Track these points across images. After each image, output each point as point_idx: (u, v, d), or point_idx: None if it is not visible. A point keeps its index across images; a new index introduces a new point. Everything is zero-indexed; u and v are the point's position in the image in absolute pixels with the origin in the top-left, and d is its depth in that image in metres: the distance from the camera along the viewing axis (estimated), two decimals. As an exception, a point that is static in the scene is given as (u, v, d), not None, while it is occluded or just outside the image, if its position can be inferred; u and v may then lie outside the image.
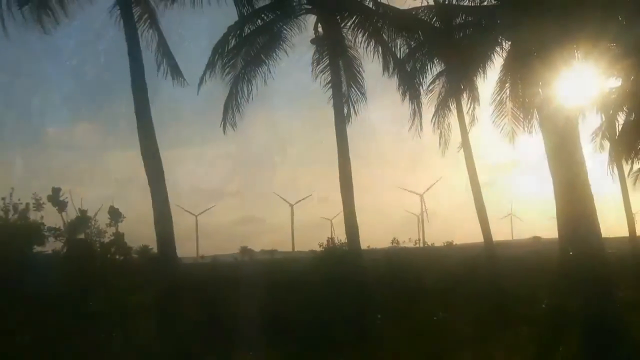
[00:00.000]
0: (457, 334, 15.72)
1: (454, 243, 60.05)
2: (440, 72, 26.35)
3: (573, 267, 12.92)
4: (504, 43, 21.53)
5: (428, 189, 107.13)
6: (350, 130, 22.46)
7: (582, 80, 16.18)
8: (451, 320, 17.42)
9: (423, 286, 21.52)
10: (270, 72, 21.78)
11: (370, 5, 22.44)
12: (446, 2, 23.72)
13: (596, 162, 34.44)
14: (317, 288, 20.01)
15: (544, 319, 17.18)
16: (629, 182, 36.73)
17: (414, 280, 21.59)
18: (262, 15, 21.87)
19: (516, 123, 22.71)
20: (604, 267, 12.11)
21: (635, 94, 23.87)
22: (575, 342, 13.11)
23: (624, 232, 34.10)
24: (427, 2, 23.77)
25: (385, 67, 22.18)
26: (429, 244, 38.97)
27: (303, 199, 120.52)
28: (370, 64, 22.48)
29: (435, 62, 25.64)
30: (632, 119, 29.36)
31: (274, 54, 21.86)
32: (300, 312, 17.69)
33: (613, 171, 33.25)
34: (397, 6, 22.90)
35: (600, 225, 12.27)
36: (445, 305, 19.07)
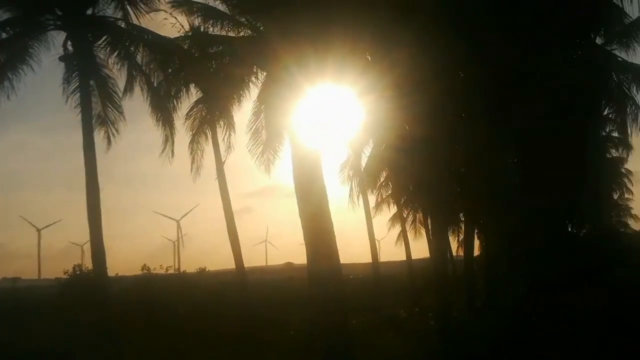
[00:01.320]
0: None
1: (207, 269, 59.94)
2: (198, 99, 26.36)
3: (313, 293, 13.33)
4: (259, 73, 22.00)
5: (185, 215, 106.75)
6: (113, 152, 21.88)
7: (330, 112, 16.99)
8: (196, 346, 17.29)
9: (169, 313, 21.22)
10: (14, 87, 20.52)
11: (123, 26, 21.84)
12: (202, 30, 23.71)
13: (346, 192, 36.55)
14: (51, 318, 19.13)
15: (292, 343, 17.61)
16: (373, 210, 39.46)
17: (159, 306, 21.21)
18: (8, 29, 20.57)
19: (271, 152, 23.24)
20: (340, 293, 12.64)
21: (378, 130, 25.50)
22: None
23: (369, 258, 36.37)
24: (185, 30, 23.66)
25: (138, 89, 21.80)
26: (183, 270, 38.60)
27: (52, 223, 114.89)
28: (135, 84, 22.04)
29: (192, 88, 25.64)
30: (375, 152, 31.27)
31: (20, 70, 20.69)
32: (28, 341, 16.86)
33: (359, 201, 35.36)
34: (156, 31, 22.63)
35: (350, 252, 12.85)
36: (190, 331, 18.93)
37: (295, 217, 12.95)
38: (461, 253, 34.75)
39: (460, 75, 20.33)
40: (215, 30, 21.84)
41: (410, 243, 37.70)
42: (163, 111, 22.82)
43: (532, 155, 27.79)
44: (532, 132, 27.70)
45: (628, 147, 36.09)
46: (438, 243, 19.62)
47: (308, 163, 12.91)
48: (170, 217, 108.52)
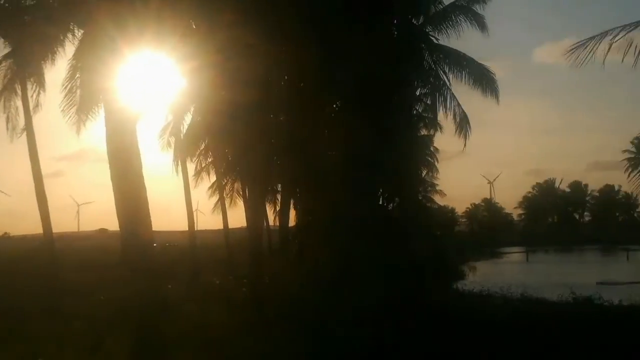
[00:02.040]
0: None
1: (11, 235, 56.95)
2: (7, 53, 24.74)
3: (128, 260, 13.14)
4: (76, 30, 21.01)
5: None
6: None
7: (150, 76, 16.61)
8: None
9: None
10: None
11: None
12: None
13: (167, 158, 36.00)
14: None
15: (97, 311, 17.23)
16: (194, 179, 39.22)
17: None
18: None
19: (84, 113, 22.28)
20: (153, 259, 12.56)
21: (199, 96, 25.30)
22: (119, 333, 13.33)
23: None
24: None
25: None
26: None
27: None
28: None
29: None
30: (196, 119, 31.00)
31: None
32: None
33: (178, 169, 34.91)
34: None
35: (169, 220, 12.73)
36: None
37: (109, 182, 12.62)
38: (277, 223, 35.54)
39: (284, 46, 20.65)
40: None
41: (228, 212, 37.96)
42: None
43: (349, 131, 28.99)
44: (348, 108, 28.90)
45: (436, 127, 38.45)
46: (255, 213, 19.94)
47: (122, 127, 12.59)
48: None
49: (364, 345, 11.43)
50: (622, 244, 78.64)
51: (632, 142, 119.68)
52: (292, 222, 31.26)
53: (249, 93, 17.68)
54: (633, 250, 70.12)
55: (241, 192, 35.80)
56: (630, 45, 14.95)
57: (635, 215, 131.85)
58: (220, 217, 37.06)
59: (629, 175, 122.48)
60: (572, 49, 15.25)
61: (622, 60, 14.90)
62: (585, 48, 15.17)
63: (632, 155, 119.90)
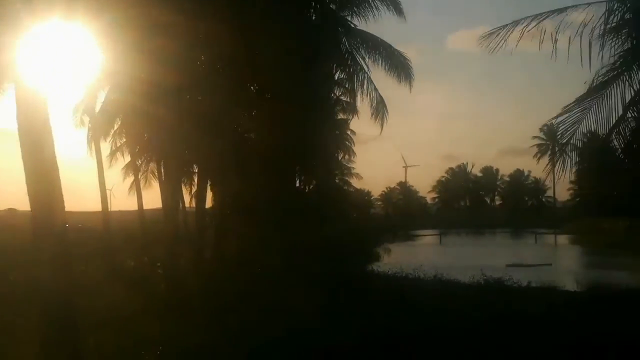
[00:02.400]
0: None
1: None
2: None
3: (39, 241, 12.79)
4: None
5: None
6: None
7: (65, 53, 16.08)
8: None
9: None
10: None
11: None
12: None
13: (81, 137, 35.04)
14: None
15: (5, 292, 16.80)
16: (108, 159, 38.29)
17: None
18: None
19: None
20: (65, 240, 12.27)
21: (115, 74, 24.69)
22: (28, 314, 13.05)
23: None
24: None
25: None
26: None
27: None
28: None
29: None
30: (112, 97, 30.23)
31: None
32: None
33: (92, 148, 33.99)
34: None
35: (82, 200, 12.44)
36: None
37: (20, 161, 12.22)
38: (194, 205, 35.18)
39: (203, 26, 20.40)
40: None
41: (143, 193, 37.25)
42: None
43: (266, 113, 28.98)
44: (265, 90, 28.89)
45: (354, 111, 38.85)
46: (170, 194, 19.70)
47: (34, 104, 12.17)
48: None
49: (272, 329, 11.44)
50: (530, 228, 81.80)
51: (541, 129, 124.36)
52: (209, 204, 31.14)
53: (166, 72, 17.41)
54: (540, 233, 73.05)
55: (156, 174, 35.25)
56: (544, 34, 15.56)
57: (544, 200, 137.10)
58: (135, 198, 36.31)
59: (538, 161, 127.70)
60: (485, 37, 15.75)
61: (539, 49, 15.48)
62: (498, 36, 15.69)
63: (542, 142, 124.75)
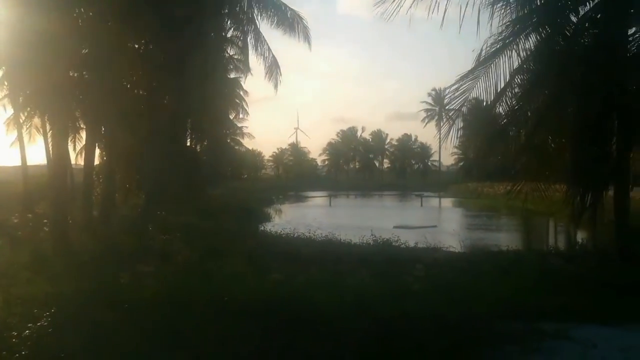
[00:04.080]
0: None
1: None
2: None
3: None
4: None
5: None
6: None
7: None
8: None
9: None
10: None
11: None
12: None
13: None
14: None
15: None
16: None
17: None
18: None
19: None
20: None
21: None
22: None
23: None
24: None
25: None
26: None
27: None
28: None
29: None
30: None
31: None
32: None
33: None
34: None
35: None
36: None
37: None
38: (80, 162, 34.18)
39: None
40: None
41: (26, 148, 35.73)
42: None
43: (155, 69, 28.42)
44: (155, 45, 28.31)
45: (247, 70, 38.73)
46: (57, 150, 19.04)
47: None
48: None
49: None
50: (417, 191, 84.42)
51: (429, 94, 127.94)
52: (96, 161, 30.34)
53: (53, 23, 16.68)
54: (426, 196, 75.58)
55: (41, 130, 33.86)
56: (437, 4, 15.98)
57: (429, 163, 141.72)
58: (18, 152, 34.69)
59: (425, 126, 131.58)
60: (380, 2, 16.02)
61: (428, 17, 15.87)
62: (393, 2, 15.98)
63: (429, 107, 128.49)
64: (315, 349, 7.93)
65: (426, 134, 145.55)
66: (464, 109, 16.79)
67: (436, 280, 12.33)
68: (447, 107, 18.12)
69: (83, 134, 34.25)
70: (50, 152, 24.74)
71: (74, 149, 38.61)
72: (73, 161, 37.05)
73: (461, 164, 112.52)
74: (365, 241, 19.72)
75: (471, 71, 16.41)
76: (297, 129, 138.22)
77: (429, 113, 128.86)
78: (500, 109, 17.40)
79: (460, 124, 18.63)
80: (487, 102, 16.94)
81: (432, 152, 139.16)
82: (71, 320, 8.61)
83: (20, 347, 7.56)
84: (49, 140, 27.09)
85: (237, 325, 8.61)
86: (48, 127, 28.95)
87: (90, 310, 8.95)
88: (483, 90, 16.35)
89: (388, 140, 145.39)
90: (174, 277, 11.67)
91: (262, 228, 30.75)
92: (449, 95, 17.68)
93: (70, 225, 18.59)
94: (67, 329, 8.23)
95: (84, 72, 23.17)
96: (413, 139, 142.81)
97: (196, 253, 15.37)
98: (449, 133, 17.27)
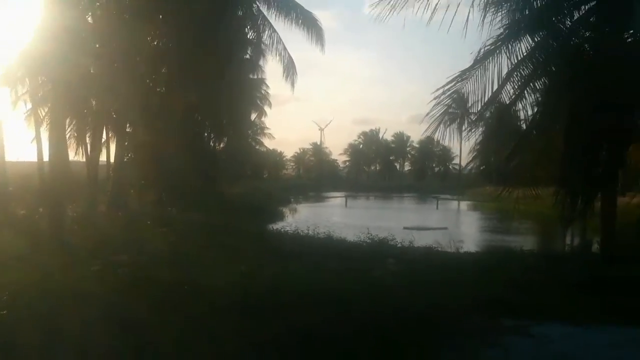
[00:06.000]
0: None
1: None
2: None
3: None
4: None
5: None
6: None
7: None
8: None
9: None
10: None
11: None
12: None
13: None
14: None
15: None
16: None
17: None
18: None
19: None
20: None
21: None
22: None
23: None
24: None
25: None
26: None
27: None
28: None
29: None
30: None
31: None
32: None
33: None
34: None
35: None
36: None
37: None
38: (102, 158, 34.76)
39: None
40: None
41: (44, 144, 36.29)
42: None
43: (176, 68, 28.85)
44: (175, 44, 28.76)
45: (260, 71, 39.36)
46: (54, 142, 19.22)
47: None
48: None
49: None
50: (435, 193, 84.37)
51: (451, 97, 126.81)
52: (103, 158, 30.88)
53: (73, 17, 17.02)
54: (442, 199, 75.55)
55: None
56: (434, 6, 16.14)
57: (450, 167, 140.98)
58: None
59: (446, 129, 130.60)
60: (376, 3, 16.27)
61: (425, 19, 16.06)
62: (389, 3, 16.23)
63: (452, 110, 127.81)
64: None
65: (447, 136, 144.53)
66: (486, 113, 17.12)
67: (409, 277, 12.60)
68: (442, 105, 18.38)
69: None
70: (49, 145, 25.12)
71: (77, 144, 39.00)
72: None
73: (482, 168, 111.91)
74: (361, 240, 19.99)
75: (463, 72, 16.74)
76: (321, 129, 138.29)
77: (450, 117, 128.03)
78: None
79: (481, 128, 19.06)
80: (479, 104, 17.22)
81: (454, 155, 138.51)
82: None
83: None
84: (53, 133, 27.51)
85: (190, 309, 8.75)
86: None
87: (34, 299, 8.85)
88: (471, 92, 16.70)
89: (409, 143, 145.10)
90: (143, 266, 11.75)
91: (270, 226, 31.11)
92: (442, 97, 18.06)
93: (73, 219, 18.97)
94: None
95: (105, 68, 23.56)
96: (435, 142, 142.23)
97: (185, 247, 15.62)
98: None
